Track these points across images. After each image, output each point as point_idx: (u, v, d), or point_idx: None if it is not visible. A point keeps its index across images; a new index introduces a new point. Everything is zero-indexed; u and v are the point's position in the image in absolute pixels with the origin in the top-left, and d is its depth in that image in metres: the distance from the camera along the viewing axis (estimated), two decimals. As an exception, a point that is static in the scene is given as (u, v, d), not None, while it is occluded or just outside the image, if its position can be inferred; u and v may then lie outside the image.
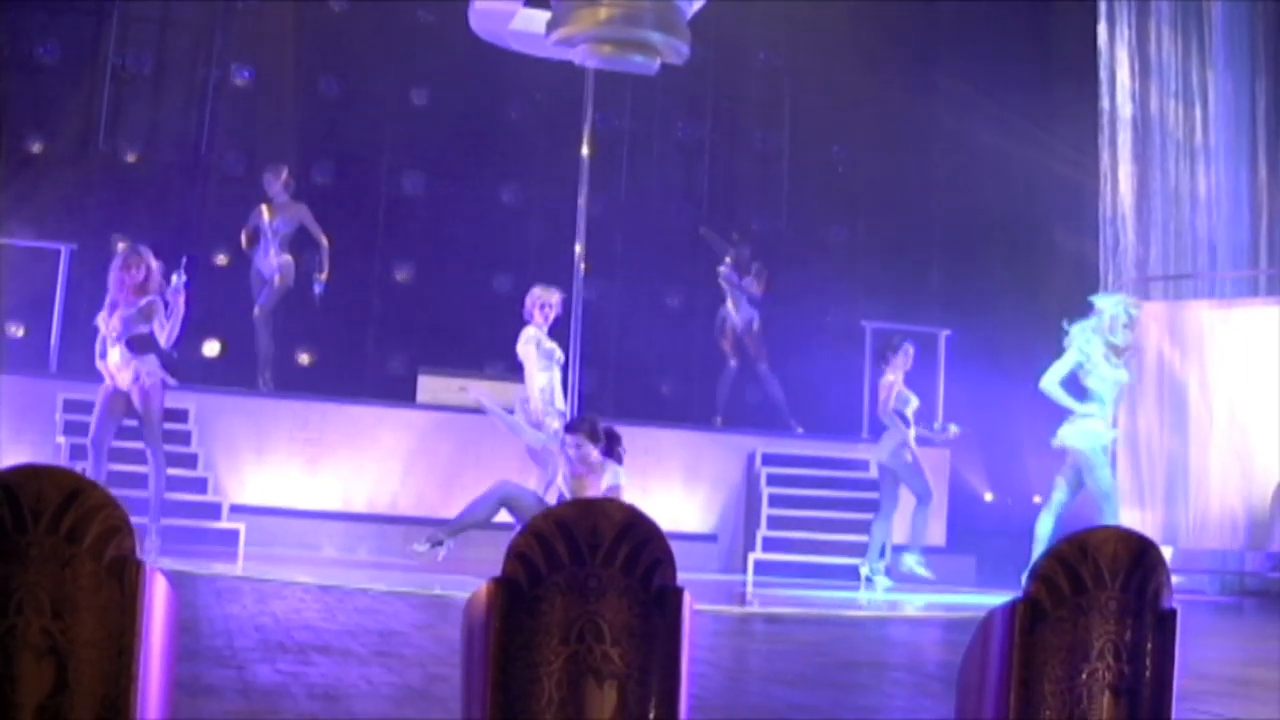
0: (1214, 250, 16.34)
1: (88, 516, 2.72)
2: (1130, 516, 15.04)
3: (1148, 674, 3.13)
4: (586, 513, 2.86)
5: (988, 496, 17.03)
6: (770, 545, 15.34)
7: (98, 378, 13.09)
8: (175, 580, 8.86)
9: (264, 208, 15.57)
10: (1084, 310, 16.18)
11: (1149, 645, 3.14)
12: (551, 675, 2.81)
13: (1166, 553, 10.81)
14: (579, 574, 2.83)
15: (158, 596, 2.84)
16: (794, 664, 7.90)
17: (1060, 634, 3.06)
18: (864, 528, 15.54)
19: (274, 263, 15.47)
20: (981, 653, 3.14)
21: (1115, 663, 3.09)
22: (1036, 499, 17.66)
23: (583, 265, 14.09)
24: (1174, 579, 10.29)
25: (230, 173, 17.52)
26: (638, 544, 2.87)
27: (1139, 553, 3.15)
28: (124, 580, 2.74)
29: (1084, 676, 3.06)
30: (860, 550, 14.95)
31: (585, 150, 13.46)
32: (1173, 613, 3.20)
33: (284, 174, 15.61)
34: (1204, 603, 14.32)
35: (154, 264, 12.33)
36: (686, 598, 2.92)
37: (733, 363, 17.13)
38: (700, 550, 15.65)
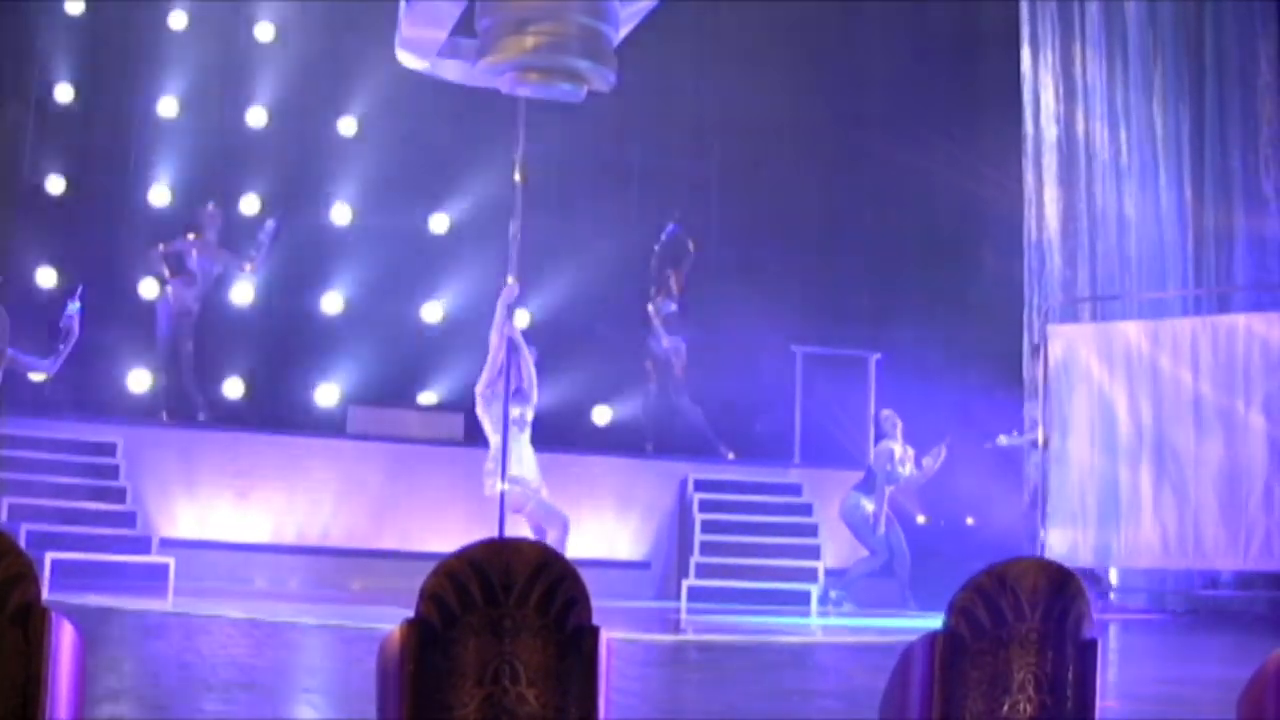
0: (1141, 270, 16.44)
1: (-9, 564, 2.67)
2: (1063, 537, 15.11)
3: (1069, 704, 3.12)
4: (500, 552, 2.83)
5: (920, 519, 17.05)
6: (704, 571, 15.31)
7: (25, 411, 13.04)
8: (101, 617, 8.77)
9: (193, 238, 15.75)
10: (1012, 333, 16.33)
11: (1070, 675, 3.13)
12: (467, 718, 2.78)
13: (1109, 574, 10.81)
14: (493, 614, 2.80)
15: (64, 643, 2.79)
16: (726, 693, 7.87)
17: (980, 667, 3.05)
18: (796, 552, 15.60)
19: (198, 293, 15.88)
20: (901, 687, 3.12)
21: (1036, 694, 3.07)
22: (969, 521, 17.71)
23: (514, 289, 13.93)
24: (1110, 596, 10.31)
25: (157, 204, 17.35)
26: (552, 583, 2.84)
27: (1059, 583, 3.13)
28: (29, 628, 2.69)
29: (1005, 709, 3.05)
30: (791, 574, 15.06)
31: (517, 178, 13.41)
32: (1093, 643, 3.18)
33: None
34: (1136, 621, 14.37)
35: None
36: (603, 636, 2.89)
37: (652, 385, 17.17)
38: (634, 577, 15.64)
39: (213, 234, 16.07)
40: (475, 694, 2.77)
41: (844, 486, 15.82)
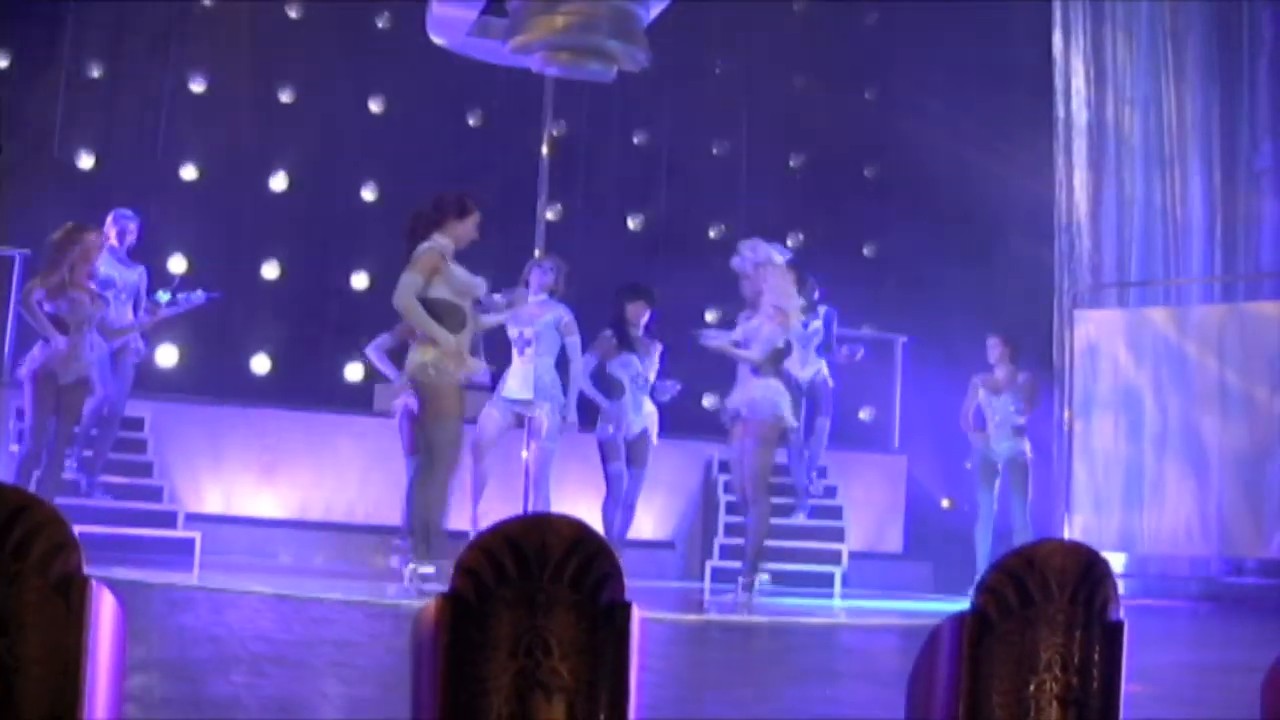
0: (1169, 256, 16.42)
1: (33, 533, 2.70)
2: (1087, 523, 15.12)
3: (1095, 685, 3.14)
4: (535, 528, 2.85)
5: (944, 503, 17.06)
6: (728, 552, 15.32)
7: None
8: (130, 590, 8.83)
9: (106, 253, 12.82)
10: (1041, 317, 16.30)
11: (1096, 657, 3.14)
12: (500, 690, 2.80)
13: (1117, 560, 10.91)
14: (527, 589, 2.82)
15: (105, 613, 2.82)
16: (749, 673, 7.91)
17: (1008, 647, 3.07)
18: (820, 534, 15.57)
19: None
20: (929, 666, 3.14)
21: (1063, 675, 3.09)
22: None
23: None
24: (1129, 583, 10.33)
25: (186, 180, 17.43)
26: (586, 559, 2.86)
27: (1086, 565, 3.15)
28: (70, 597, 2.73)
29: (1032, 689, 3.07)
30: (815, 556, 15.03)
31: (545, 156, 13.42)
32: (1120, 625, 3.20)
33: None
34: (1160, 608, 14.38)
35: None
36: (635, 612, 2.91)
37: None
38: (658, 558, 15.67)
39: (123, 245, 13.35)
40: (509, 667, 2.80)
41: (870, 469, 15.87)
